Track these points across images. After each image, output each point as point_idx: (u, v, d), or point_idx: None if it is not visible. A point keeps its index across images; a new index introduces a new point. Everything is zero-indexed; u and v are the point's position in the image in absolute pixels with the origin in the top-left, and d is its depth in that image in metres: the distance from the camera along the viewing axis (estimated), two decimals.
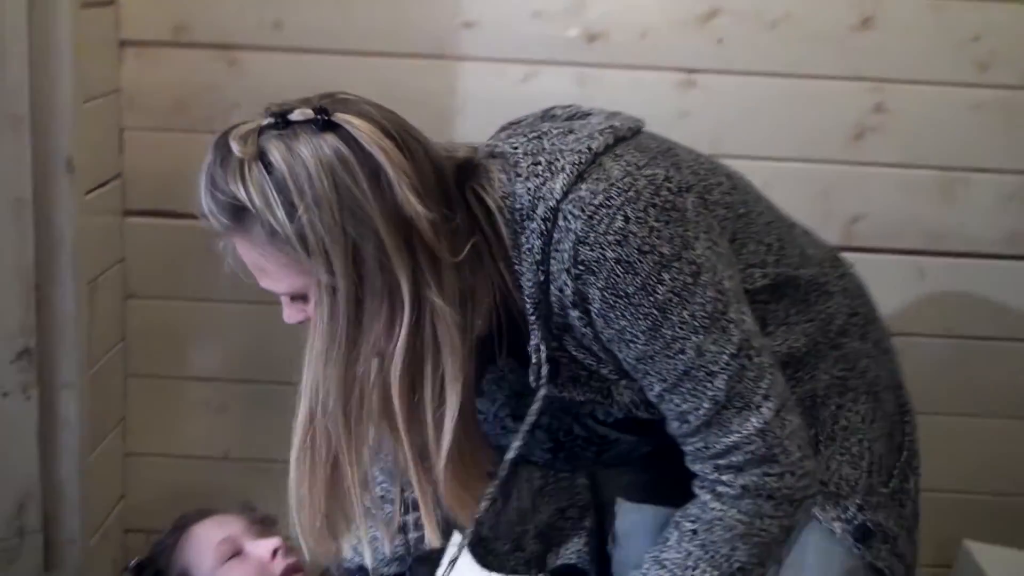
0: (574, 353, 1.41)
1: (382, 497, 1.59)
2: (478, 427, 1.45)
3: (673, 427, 1.40)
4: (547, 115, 1.55)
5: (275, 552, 1.77)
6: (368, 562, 1.61)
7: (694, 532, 1.40)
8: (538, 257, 1.35)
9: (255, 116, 1.33)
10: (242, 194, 1.28)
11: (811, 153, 2.20)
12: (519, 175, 1.37)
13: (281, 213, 1.27)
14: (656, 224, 1.31)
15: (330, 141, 1.28)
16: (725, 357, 1.34)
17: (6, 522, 1.87)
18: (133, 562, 1.82)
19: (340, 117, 1.30)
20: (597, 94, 2.15)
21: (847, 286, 1.62)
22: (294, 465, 1.40)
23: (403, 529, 1.70)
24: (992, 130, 2.18)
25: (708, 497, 1.40)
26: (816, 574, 1.51)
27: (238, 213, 1.29)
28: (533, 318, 1.38)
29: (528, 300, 1.37)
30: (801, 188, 2.22)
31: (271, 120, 1.30)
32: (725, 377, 1.34)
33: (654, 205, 1.32)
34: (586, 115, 1.51)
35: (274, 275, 1.34)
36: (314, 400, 1.35)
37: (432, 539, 1.46)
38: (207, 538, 1.80)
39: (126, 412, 2.31)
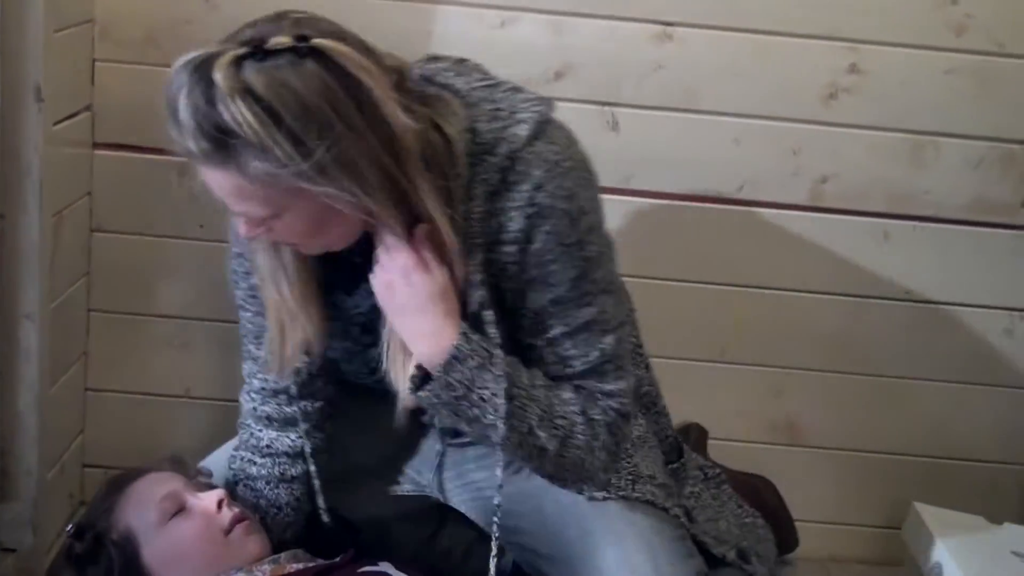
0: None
1: None
2: None
3: (554, 370, 1.61)
4: (463, 62, 1.66)
5: (220, 503, 1.74)
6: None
7: (582, 412, 1.60)
8: (491, 189, 1.52)
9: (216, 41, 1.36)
10: (234, 126, 1.32)
11: (783, 111, 2.20)
12: (481, 115, 1.53)
13: (273, 144, 1.33)
14: (591, 193, 1.58)
15: (312, 68, 1.34)
16: (615, 323, 1.60)
17: None
18: (70, 528, 1.78)
19: (319, 43, 1.35)
20: (573, 43, 2.15)
21: (635, 321, 1.88)
22: None
23: None
24: (964, 95, 2.19)
25: (595, 406, 1.61)
26: (652, 530, 1.71)
27: (225, 144, 1.34)
28: (479, 242, 1.54)
29: (476, 222, 1.53)
30: (771, 146, 2.22)
31: (247, 50, 1.34)
32: (613, 337, 1.60)
33: (588, 179, 1.59)
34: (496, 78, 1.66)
35: (256, 199, 1.42)
36: None
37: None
38: (148, 495, 1.75)
39: (88, 347, 2.29)
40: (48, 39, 1.82)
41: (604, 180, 2.16)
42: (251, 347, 1.79)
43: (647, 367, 1.94)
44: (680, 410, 2.02)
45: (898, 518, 2.33)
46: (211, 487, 1.81)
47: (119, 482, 1.80)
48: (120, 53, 2.14)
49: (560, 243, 1.53)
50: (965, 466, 2.44)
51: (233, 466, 1.87)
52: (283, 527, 1.85)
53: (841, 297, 2.32)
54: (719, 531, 1.92)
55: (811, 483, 2.42)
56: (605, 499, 1.71)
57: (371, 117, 1.38)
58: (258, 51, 1.33)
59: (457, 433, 1.79)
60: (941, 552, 2.08)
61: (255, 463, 1.84)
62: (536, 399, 1.58)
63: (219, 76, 1.32)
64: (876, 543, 2.46)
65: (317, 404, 1.81)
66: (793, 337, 2.35)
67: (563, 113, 2.14)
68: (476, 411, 1.56)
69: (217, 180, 1.42)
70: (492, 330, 1.56)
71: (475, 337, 1.54)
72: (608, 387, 1.61)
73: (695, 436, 2.29)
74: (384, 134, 1.40)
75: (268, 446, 1.83)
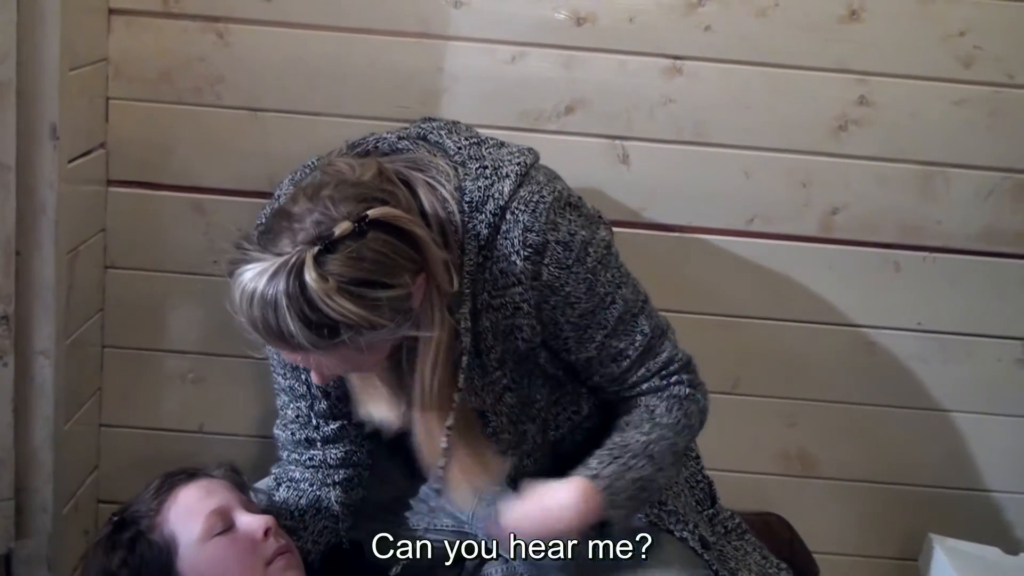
0: (482, 330, 1.71)
1: None
2: None
3: (611, 370, 1.79)
4: (456, 124, 1.84)
5: (267, 531, 1.73)
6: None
7: (680, 406, 1.80)
8: (483, 243, 1.66)
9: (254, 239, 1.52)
10: (342, 319, 1.47)
11: (793, 143, 2.21)
12: (468, 174, 1.69)
13: (379, 318, 1.50)
14: (572, 217, 1.71)
15: (375, 237, 1.50)
16: (639, 303, 1.78)
17: None
18: (115, 517, 1.77)
19: (373, 216, 1.50)
20: (583, 77, 2.16)
21: None
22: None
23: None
24: (973, 126, 2.20)
25: (679, 388, 1.81)
26: (679, 567, 1.80)
27: (337, 334, 1.49)
28: (468, 292, 1.68)
29: (467, 275, 1.67)
30: (782, 178, 2.23)
31: (320, 247, 1.47)
32: (644, 316, 1.78)
33: (568, 204, 1.72)
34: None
35: (359, 360, 1.58)
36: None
37: None
38: (197, 506, 1.73)
39: (102, 383, 2.30)
40: (63, 78, 1.84)
41: (614, 213, 2.21)
42: (280, 379, 1.88)
43: None
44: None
45: (913, 549, 2.32)
46: (262, 509, 1.81)
47: (172, 482, 1.79)
48: (134, 91, 2.15)
49: (562, 268, 1.69)
50: (980, 496, 2.43)
51: (275, 470, 1.95)
52: (318, 532, 1.89)
53: (852, 328, 2.33)
54: None
55: (825, 515, 2.42)
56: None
57: (423, 255, 1.57)
58: (329, 244, 1.47)
59: None
60: None
61: (298, 471, 1.91)
62: (659, 437, 1.77)
63: (311, 279, 1.45)
64: (892, 575, 2.45)
65: (352, 423, 1.88)
66: (805, 368, 2.35)
67: (574, 147, 2.18)
68: (650, 490, 1.78)
69: (319, 359, 1.56)
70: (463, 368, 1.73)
71: (602, 472, 1.71)
72: (663, 356, 1.80)
73: None
74: (426, 261, 1.58)
75: (311, 458, 1.89)
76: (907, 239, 2.28)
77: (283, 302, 1.45)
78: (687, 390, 1.81)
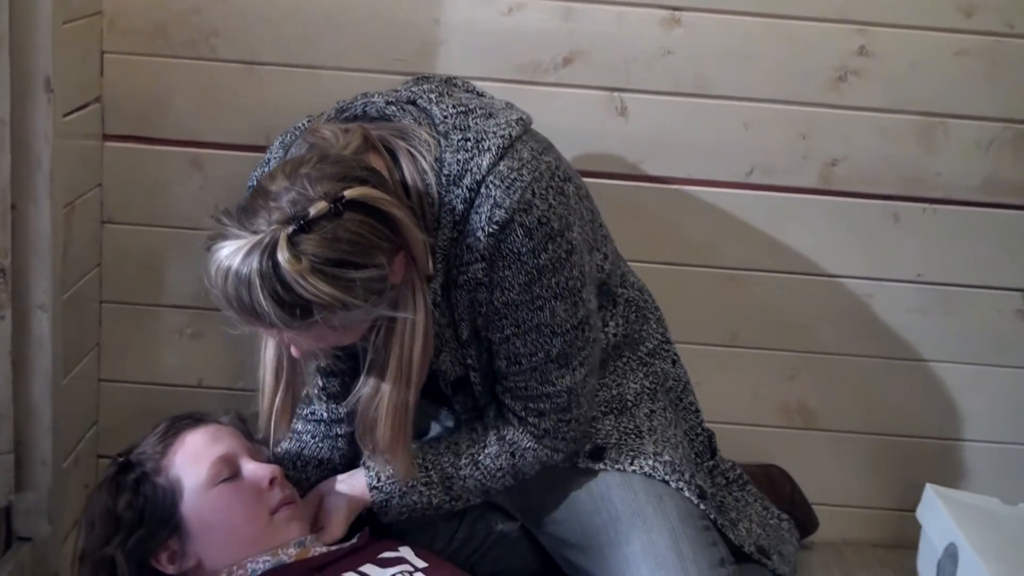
0: (455, 303, 1.71)
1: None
2: None
3: (502, 365, 1.75)
4: (450, 82, 1.85)
5: (272, 481, 1.74)
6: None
7: (512, 455, 1.80)
8: (458, 218, 1.65)
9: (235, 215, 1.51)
10: (315, 299, 1.47)
11: (793, 95, 2.20)
12: (449, 145, 1.66)
13: (353, 298, 1.49)
14: (553, 201, 1.66)
15: (352, 217, 1.49)
16: (568, 325, 1.72)
17: None
18: (120, 459, 1.77)
19: (350, 196, 1.49)
20: (581, 29, 2.14)
21: (661, 318, 2.01)
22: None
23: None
24: (974, 77, 2.18)
25: (524, 434, 1.80)
26: (678, 518, 1.81)
27: (310, 313, 1.49)
28: (441, 265, 1.67)
29: (440, 249, 1.66)
30: (781, 129, 2.22)
31: (295, 226, 1.46)
32: (562, 340, 1.72)
33: (551, 187, 1.67)
34: (481, 94, 1.86)
35: (333, 336, 1.57)
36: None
37: None
38: (204, 452, 1.73)
39: (100, 337, 2.30)
40: (57, 31, 1.82)
41: (613, 166, 2.20)
42: None
43: (673, 362, 1.99)
44: None
45: (912, 500, 2.32)
46: (266, 459, 1.81)
47: (179, 426, 1.79)
48: (129, 45, 2.14)
49: (513, 251, 1.65)
50: (979, 447, 2.43)
51: None
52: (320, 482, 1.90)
53: (852, 280, 2.32)
54: (739, 533, 1.93)
55: (824, 466, 2.42)
56: (602, 471, 1.87)
57: (402, 236, 1.55)
58: (304, 224, 1.46)
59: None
60: (955, 534, 2.07)
61: (300, 423, 1.91)
62: (468, 475, 1.81)
63: (283, 259, 1.44)
64: (890, 526, 2.46)
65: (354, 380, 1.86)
66: (805, 320, 2.35)
67: (571, 99, 2.17)
68: (432, 513, 1.84)
69: (293, 337, 1.57)
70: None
71: (384, 487, 1.81)
72: (545, 389, 1.76)
73: None
74: (405, 242, 1.56)
75: (312, 413, 1.91)
76: (907, 191, 2.27)
77: (256, 281, 1.45)
78: (532, 442, 1.80)
